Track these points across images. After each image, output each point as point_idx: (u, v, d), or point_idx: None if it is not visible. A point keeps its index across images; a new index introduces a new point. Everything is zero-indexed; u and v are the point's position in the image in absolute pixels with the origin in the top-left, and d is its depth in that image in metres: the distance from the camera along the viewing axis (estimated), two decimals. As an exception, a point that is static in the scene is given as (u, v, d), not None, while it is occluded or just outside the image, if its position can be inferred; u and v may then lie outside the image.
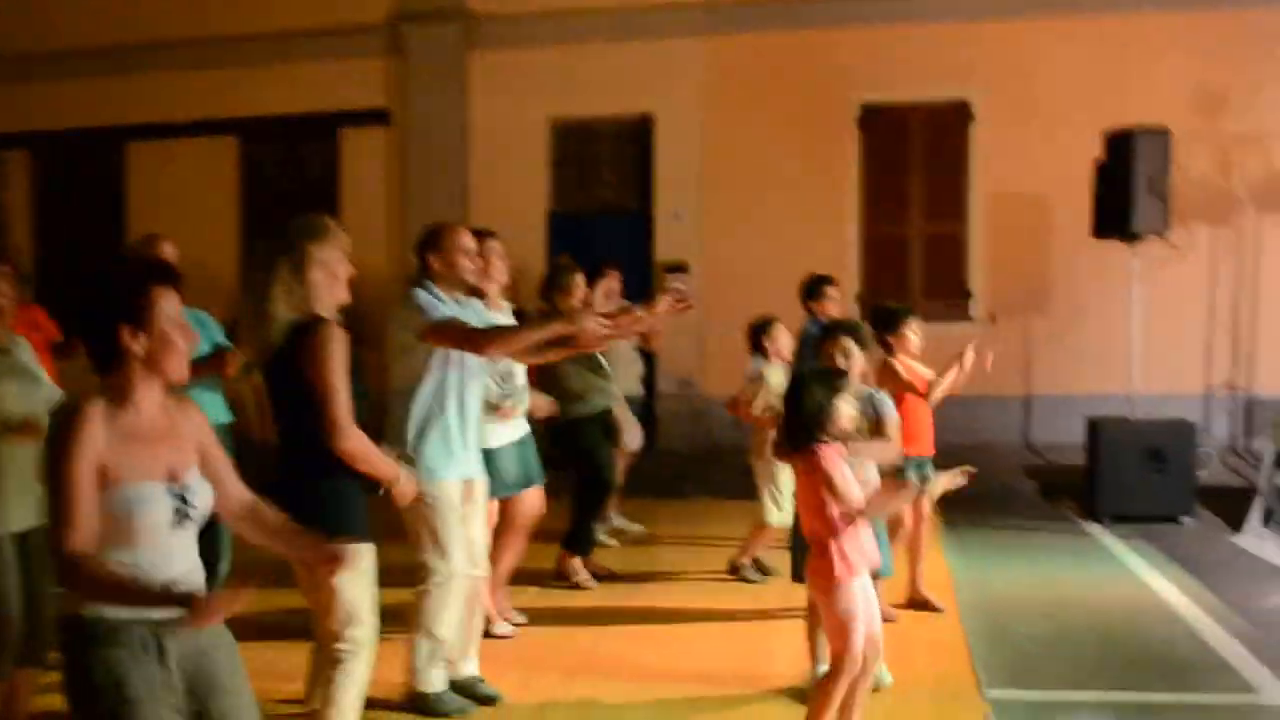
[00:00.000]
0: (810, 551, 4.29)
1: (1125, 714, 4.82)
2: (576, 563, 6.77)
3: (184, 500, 2.85)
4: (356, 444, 3.84)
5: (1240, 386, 11.13)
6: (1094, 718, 4.79)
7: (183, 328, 2.89)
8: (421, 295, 4.71)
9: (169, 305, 2.87)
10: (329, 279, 3.90)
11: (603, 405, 6.89)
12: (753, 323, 6.93)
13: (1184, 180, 9.98)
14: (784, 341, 6.89)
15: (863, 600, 4.19)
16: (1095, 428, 8.76)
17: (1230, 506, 8.42)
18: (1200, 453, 9.14)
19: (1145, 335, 9.20)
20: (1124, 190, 8.84)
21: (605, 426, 6.98)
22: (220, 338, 5.82)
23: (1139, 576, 7.05)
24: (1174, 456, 8.51)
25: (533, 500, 5.80)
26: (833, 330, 5.11)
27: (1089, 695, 5.02)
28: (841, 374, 4.40)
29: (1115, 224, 8.98)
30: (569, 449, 6.72)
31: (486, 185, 12.31)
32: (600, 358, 6.75)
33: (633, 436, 7.79)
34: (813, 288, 7.52)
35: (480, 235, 5.50)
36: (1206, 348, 11.20)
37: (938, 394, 6.08)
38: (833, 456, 4.18)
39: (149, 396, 2.88)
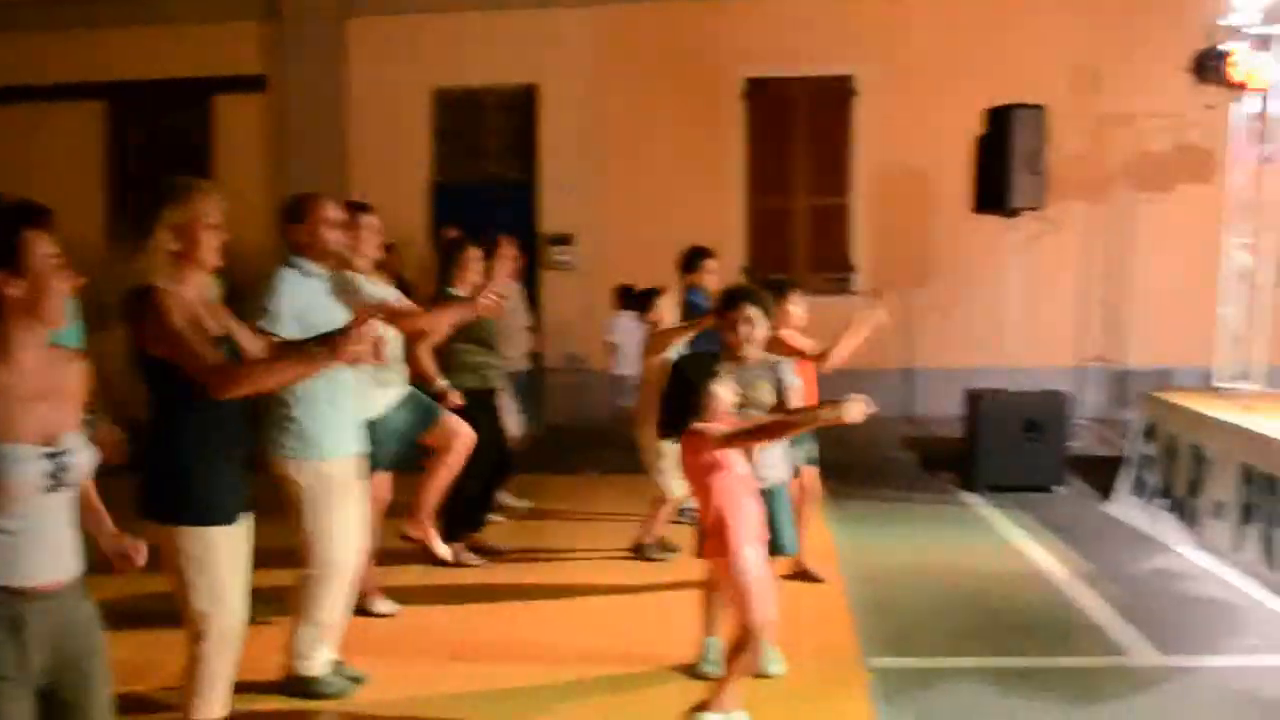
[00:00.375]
0: (703, 526, 4.32)
1: (1003, 678, 4.96)
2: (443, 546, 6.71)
3: (58, 464, 2.74)
4: (239, 381, 3.57)
5: (1112, 359, 11.49)
6: (973, 683, 4.92)
7: (61, 271, 2.78)
8: (278, 281, 4.56)
9: (44, 247, 2.76)
10: (188, 244, 3.64)
11: (494, 383, 6.83)
12: (630, 287, 6.95)
13: (1059, 156, 10.25)
14: (667, 316, 6.90)
15: (757, 571, 4.23)
16: (973, 400, 8.98)
17: (1101, 475, 8.71)
18: (1073, 424, 9.44)
19: (1022, 309, 9.45)
20: (1002, 165, 9.04)
21: (494, 405, 6.92)
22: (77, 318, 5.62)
23: (1015, 545, 7.26)
24: (1048, 427, 8.76)
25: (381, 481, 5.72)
26: (737, 298, 4.91)
27: (969, 661, 5.16)
28: (717, 358, 4.41)
29: (994, 198, 9.19)
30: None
31: (366, 155, 12.11)
32: (492, 334, 6.68)
33: (512, 423, 7.73)
34: (691, 260, 7.52)
35: (354, 208, 5.40)
36: (1080, 321, 11.55)
37: (835, 360, 6.13)
38: (709, 432, 4.21)
39: (29, 348, 2.77)
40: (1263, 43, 8.54)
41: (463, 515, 6.74)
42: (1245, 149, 8.87)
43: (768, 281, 6.30)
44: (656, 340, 6.77)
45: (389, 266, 6.77)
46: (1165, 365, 11.12)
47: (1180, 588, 6.37)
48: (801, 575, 6.30)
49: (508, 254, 7.47)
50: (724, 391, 4.29)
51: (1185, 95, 9.18)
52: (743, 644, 4.22)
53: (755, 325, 4.80)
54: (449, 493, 6.40)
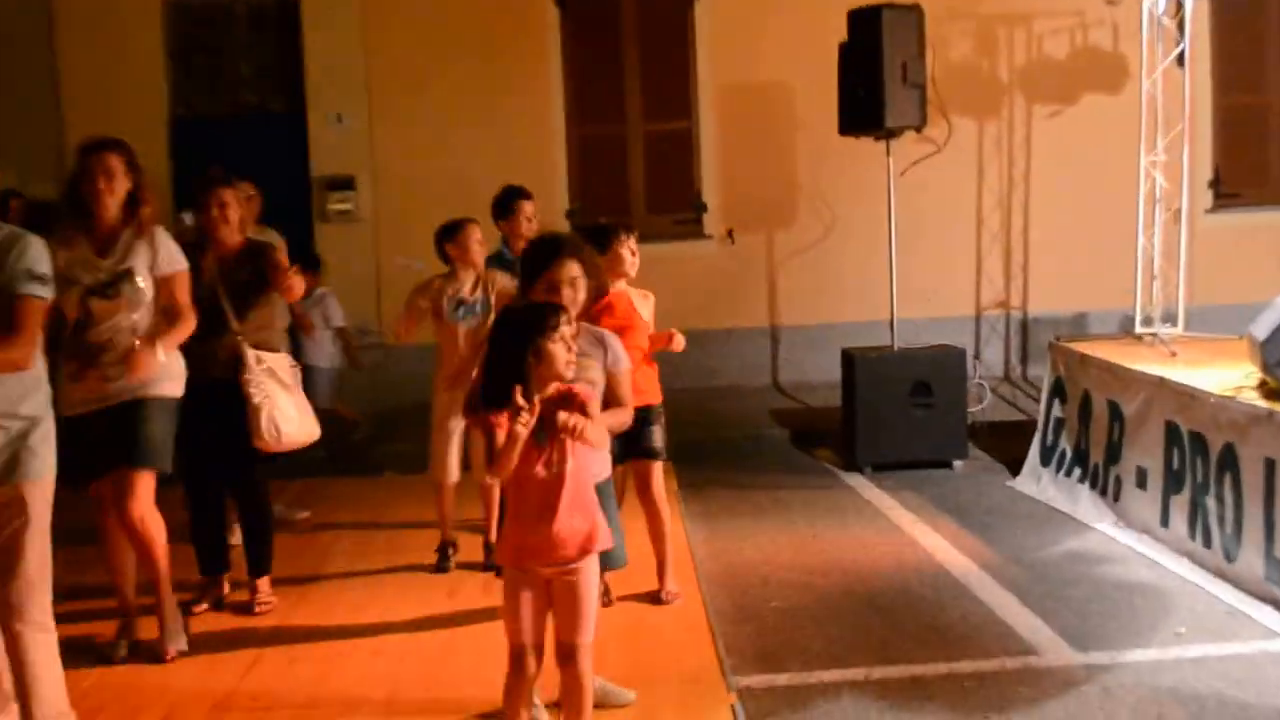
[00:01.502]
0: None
1: (892, 691, 5.11)
2: None
3: None
4: None
5: (1016, 305, 11.86)
6: (857, 698, 5.05)
7: None
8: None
9: None
10: None
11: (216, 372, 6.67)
12: (439, 228, 6.92)
13: (941, 65, 10.50)
14: (476, 250, 6.88)
15: (516, 593, 4.23)
16: (852, 361, 9.18)
17: (1008, 445, 9.01)
18: (972, 385, 9.73)
19: (906, 249, 9.67)
20: (873, 78, 9.22)
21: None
22: None
23: (906, 532, 7.47)
24: (942, 391, 9.02)
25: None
26: (551, 252, 4.72)
27: (850, 673, 5.30)
28: (556, 310, 4.22)
29: (865, 118, 9.37)
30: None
31: (83, 84, 11.74)
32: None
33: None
34: (504, 203, 7.49)
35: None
36: (975, 261, 11.88)
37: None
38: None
39: None
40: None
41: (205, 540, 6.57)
42: (1154, 52, 9.21)
43: (596, 227, 6.29)
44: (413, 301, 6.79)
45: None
46: (1080, 310, 11.53)
47: (1099, 572, 6.63)
48: (649, 597, 6.29)
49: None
50: (562, 352, 4.14)
51: (1086, -11, 9.52)
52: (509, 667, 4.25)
53: (578, 288, 4.63)
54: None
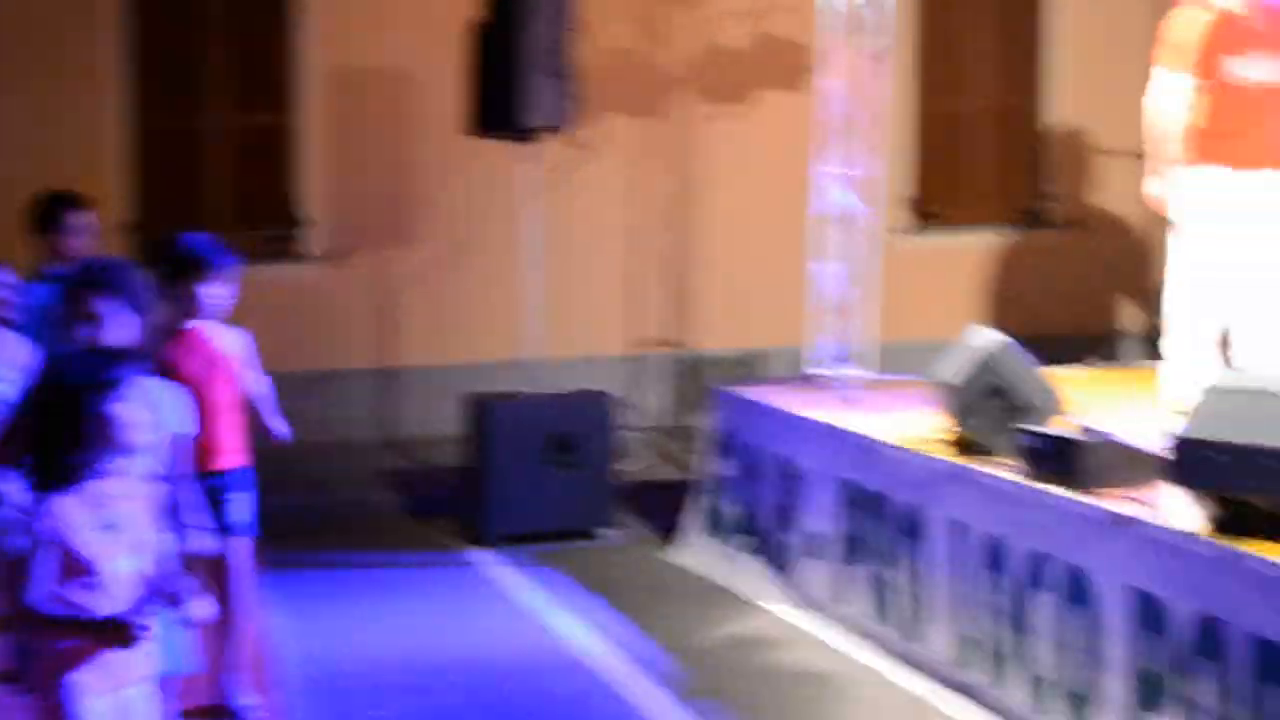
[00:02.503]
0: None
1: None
2: None
3: None
4: None
5: (681, 342, 12.07)
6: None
7: None
8: None
9: None
10: None
11: None
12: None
13: (596, 54, 10.62)
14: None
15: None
16: (479, 411, 9.20)
17: (666, 510, 9.14)
18: (624, 438, 9.83)
19: (547, 274, 9.72)
20: (510, 67, 9.26)
21: None
22: None
23: (542, 619, 7.54)
24: (587, 446, 9.12)
25: None
26: (75, 284, 4.81)
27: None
28: (119, 356, 4.22)
29: (500, 115, 9.41)
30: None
31: None
32: None
33: None
34: (47, 215, 7.31)
35: None
36: (633, 290, 12.04)
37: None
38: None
39: None
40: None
41: None
42: (843, 45, 9.51)
43: (166, 246, 6.15)
44: None
45: None
46: (754, 347, 11.81)
47: (768, 660, 6.81)
48: (215, 713, 6.13)
49: None
50: (135, 413, 4.09)
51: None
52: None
53: (106, 325, 4.68)
54: None
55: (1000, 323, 11.27)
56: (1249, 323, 7.71)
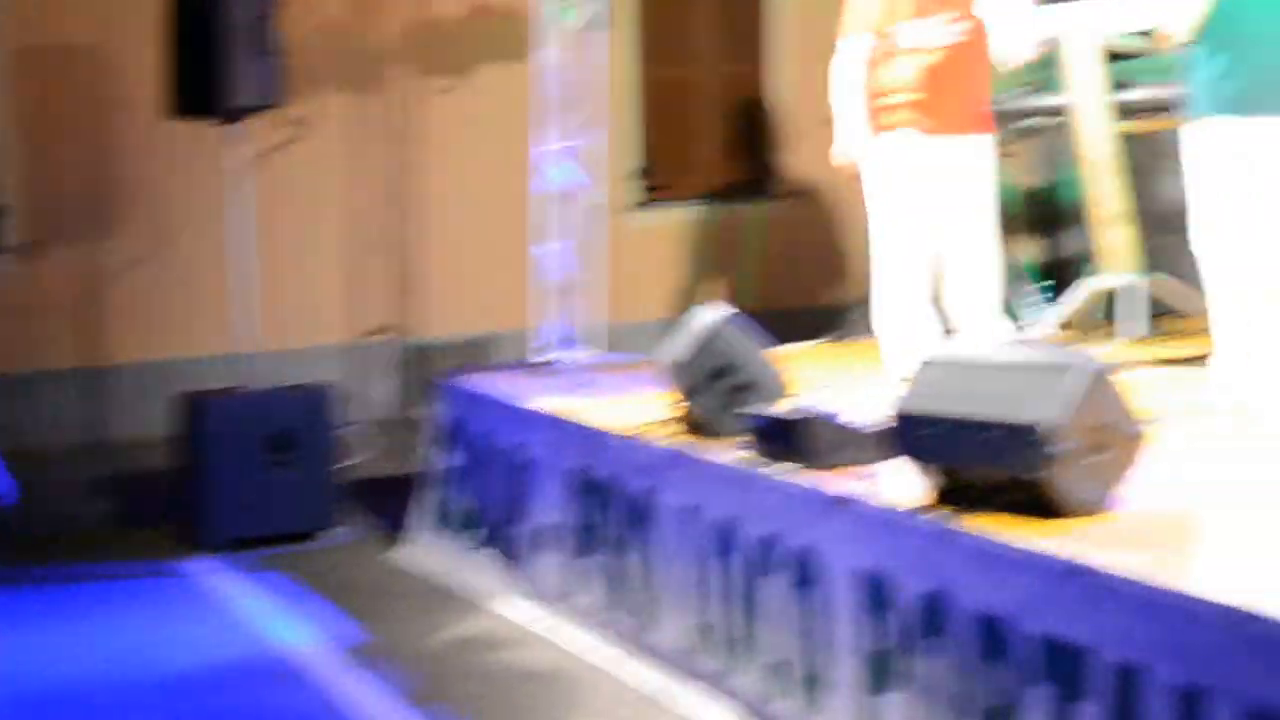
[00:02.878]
0: None
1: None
2: None
3: None
4: None
5: (406, 329, 12.01)
6: None
7: None
8: None
9: None
10: None
11: None
12: None
13: (303, 28, 10.51)
14: None
15: None
16: (191, 409, 9.07)
17: (394, 506, 9.11)
18: (348, 433, 9.78)
19: (260, 262, 9.58)
20: (212, 43, 9.12)
21: None
22: None
23: (259, 627, 7.46)
24: (307, 442, 9.06)
25: None
26: None
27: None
28: None
29: (203, 95, 9.26)
30: None
31: None
32: None
33: None
34: None
35: None
36: (352, 275, 11.95)
37: None
38: None
39: None
40: None
41: None
42: (556, 13, 9.56)
43: None
44: None
45: None
46: (481, 332, 11.81)
47: (497, 660, 6.83)
48: None
49: None
50: None
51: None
52: None
53: None
54: None
55: (733, 298, 11.54)
56: (952, 286, 7.94)
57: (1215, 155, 6.90)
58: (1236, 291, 6.98)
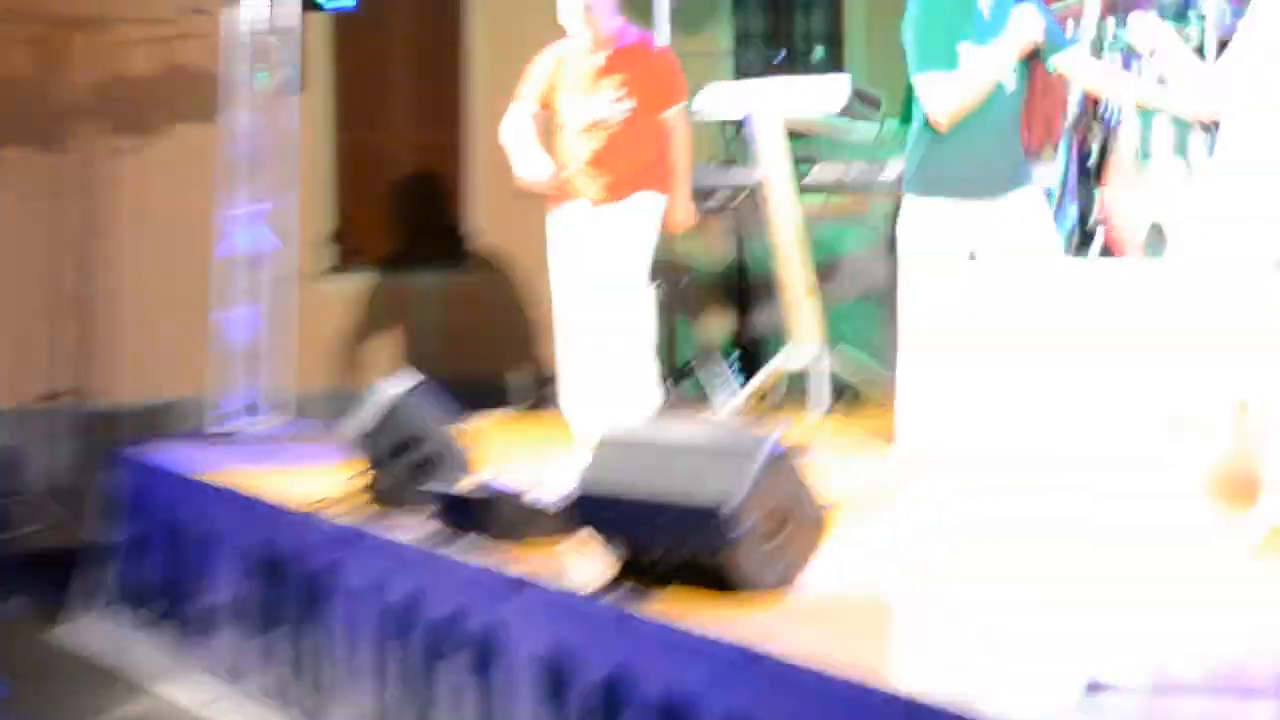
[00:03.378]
0: None
1: None
2: None
3: None
4: None
5: (86, 393, 11.65)
6: None
7: None
8: None
9: None
10: None
11: None
12: None
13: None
14: None
15: None
16: None
17: (58, 581, 8.79)
18: (13, 502, 9.46)
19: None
20: None
21: None
22: None
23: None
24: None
25: None
26: None
27: None
28: None
29: None
30: None
31: None
32: None
33: None
34: None
35: None
36: (28, 336, 11.55)
37: None
38: None
39: None
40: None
41: None
42: (248, 75, 9.44)
43: None
44: None
45: None
46: (168, 399, 11.50)
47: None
48: None
49: None
50: None
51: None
52: None
53: None
54: None
55: (426, 367, 11.43)
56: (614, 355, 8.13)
57: (919, 233, 7.02)
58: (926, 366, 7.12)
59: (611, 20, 8.05)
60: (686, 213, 8.29)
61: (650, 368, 8.19)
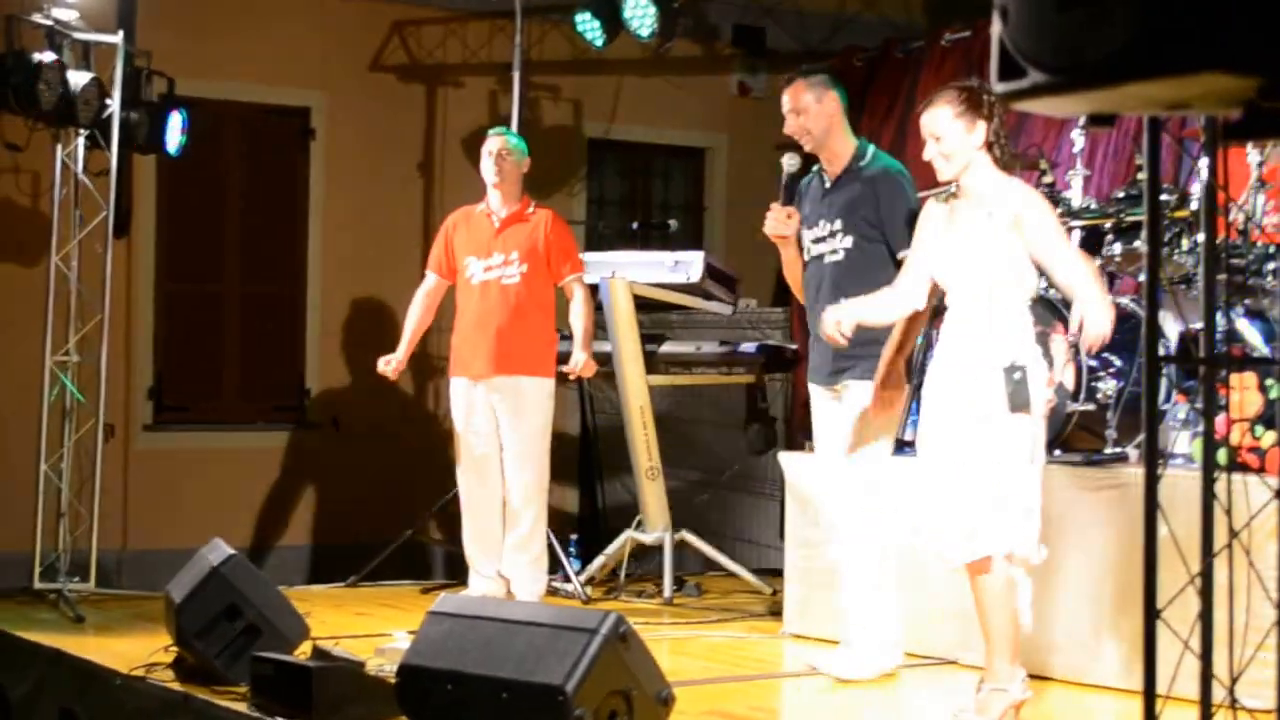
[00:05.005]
0: None
1: None
2: None
3: None
4: None
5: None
6: None
7: None
8: None
9: None
10: None
11: None
12: None
13: None
14: None
15: None
16: None
17: None
18: None
19: None
20: None
21: None
22: None
23: None
24: None
25: None
26: None
27: None
28: None
29: None
30: None
31: None
32: None
33: None
34: None
35: None
36: None
37: None
38: None
39: None
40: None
41: None
42: (72, 222, 9.43)
43: None
44: None
45: None
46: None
47: None
48: None
49: None
50: None
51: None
52: None
53: None
54: None
55: (258, 531, 11.33)
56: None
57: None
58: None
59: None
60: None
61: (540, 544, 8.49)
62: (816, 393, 7.00)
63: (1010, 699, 5.77)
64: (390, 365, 8.41)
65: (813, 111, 6.84)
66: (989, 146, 5.87)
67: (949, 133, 5.86)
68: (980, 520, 5.69)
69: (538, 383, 8.33)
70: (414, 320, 8.58)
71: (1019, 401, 5.65)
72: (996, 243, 5.80)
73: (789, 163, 7.05)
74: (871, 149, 7.01)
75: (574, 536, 10.26)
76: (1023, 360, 5.70)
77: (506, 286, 8.31)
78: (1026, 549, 5.75)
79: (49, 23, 9.00)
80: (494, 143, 8.47)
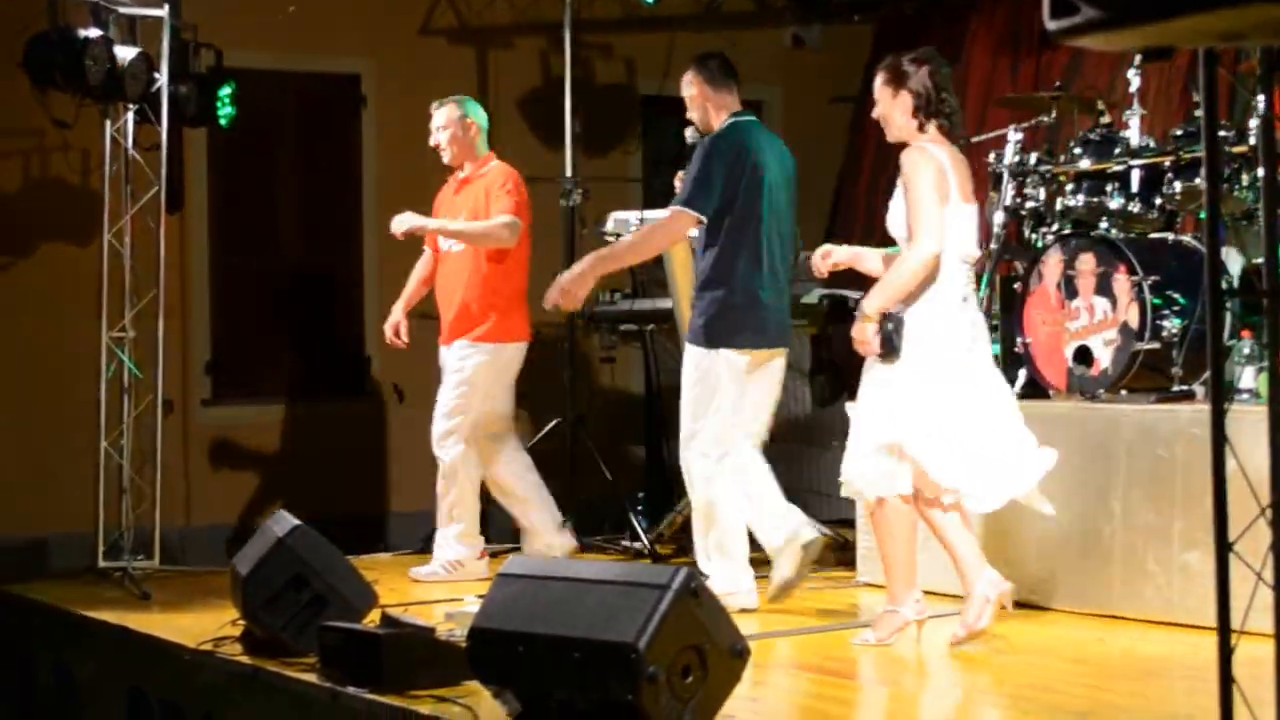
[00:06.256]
0: None
1: None
2: None
3: None
4: None
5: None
6: None
7: None
8: None
9: None
10: None
11: None
12: None
13: None
14: None
15: None
16: None
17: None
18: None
19: None
20: None
21: None
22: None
23: None
24: None
25: None
26: None
27: None
28: None
29: None
30: None
31: None
32: None
33: None
34: None
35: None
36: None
37: None
38: None
39: None
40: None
41: None
42: (127, 197, 9.47)
43: None
44: None
45: None
46: (40, 534, 11.33)
47: None
48: None
49: None
50: None
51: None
52: None
53: None
54: None
55: (314, 503, 11.37)
56: None
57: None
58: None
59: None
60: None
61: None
62: None
63: (901, 619, 6.66)
64: (390, 331, 9.08)
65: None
66: (914, 112, 6.63)
67: (879, 100, 6.73)
68: (869, 465, 6.57)
69: (475, 347, 8.66)
70: (408, 287, 9.17)
71: (889, 349, 6.41)
72: (899, 202, 6.65)
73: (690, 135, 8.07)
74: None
75: (641, 494, 10.32)
76: (901, 311, 6.43)
77: (459, 254, 8.73)
78: (935, 486, 6.50)
79: (94, -1, 9.10)
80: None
